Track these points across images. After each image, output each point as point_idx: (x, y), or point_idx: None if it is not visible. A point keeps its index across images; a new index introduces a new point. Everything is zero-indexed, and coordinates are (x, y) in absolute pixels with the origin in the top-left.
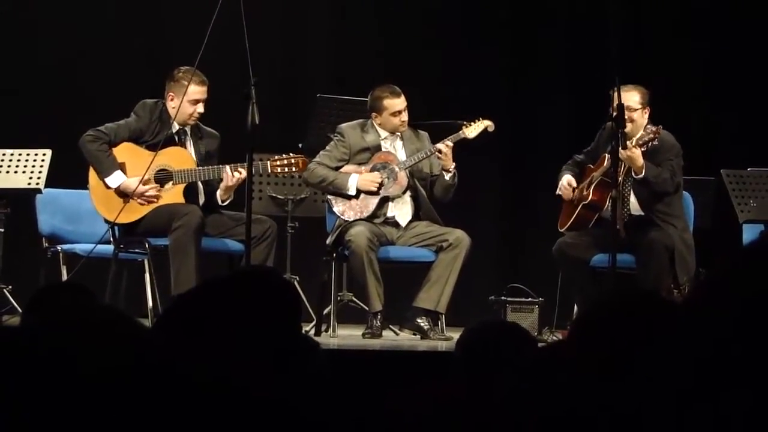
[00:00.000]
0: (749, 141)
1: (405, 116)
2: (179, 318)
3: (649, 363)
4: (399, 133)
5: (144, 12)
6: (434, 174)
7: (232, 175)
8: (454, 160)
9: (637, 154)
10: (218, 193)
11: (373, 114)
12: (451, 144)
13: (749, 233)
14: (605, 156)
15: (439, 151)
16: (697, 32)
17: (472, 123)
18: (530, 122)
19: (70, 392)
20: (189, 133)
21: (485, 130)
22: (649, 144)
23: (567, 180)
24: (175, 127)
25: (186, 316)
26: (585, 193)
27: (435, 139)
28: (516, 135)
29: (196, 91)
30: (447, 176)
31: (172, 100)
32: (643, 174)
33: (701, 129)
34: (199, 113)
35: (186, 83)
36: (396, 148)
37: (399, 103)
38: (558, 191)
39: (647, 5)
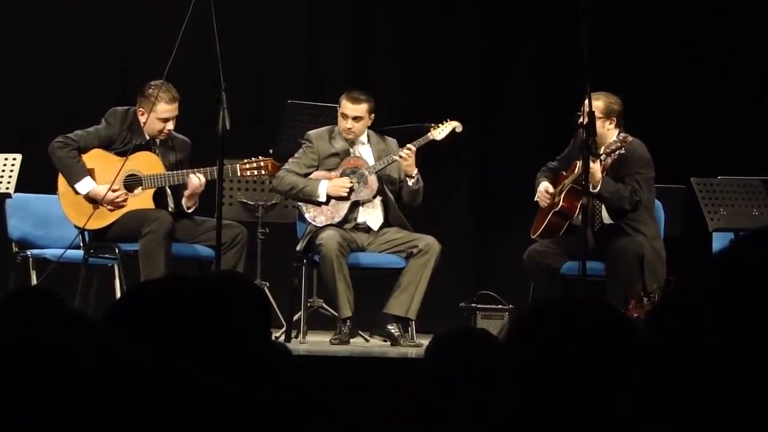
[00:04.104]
0: (720, 149)
1: (350, 124)
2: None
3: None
4: (366, 138)
5: (115, 17)
6: (402, 179)
7: (199, 182)
8: (418, 165)
9: (595, 168)
10: (183, 201)
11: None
12: (413, 148)
13: (719, 242)
14: (576, 163)
15: (401, 156)
16: (667, 39)
17: (440, 125)
18: (502, 128)
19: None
20: (159, 143)
21: (453, 131)
22: (616, 152)
23: (544, 187)
24: (146, 137)
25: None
26: (556, 200)
27: (403, 143)
28: (487, 140)
29: (165, 109)
30: (410, 182)
31: (142, 114)
32: (598, 189)
33: (671, 137)
34: (168, 130)
35: (154, 100)
36: (362, 153)
37: (349, 108)
38: (536, 198)
39: (617, 13)
